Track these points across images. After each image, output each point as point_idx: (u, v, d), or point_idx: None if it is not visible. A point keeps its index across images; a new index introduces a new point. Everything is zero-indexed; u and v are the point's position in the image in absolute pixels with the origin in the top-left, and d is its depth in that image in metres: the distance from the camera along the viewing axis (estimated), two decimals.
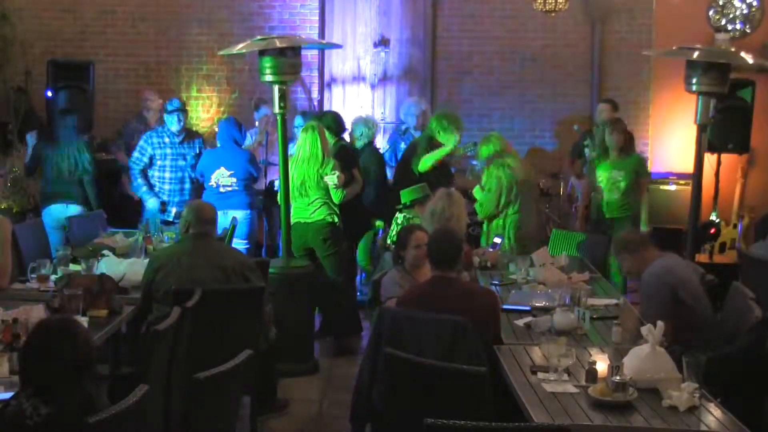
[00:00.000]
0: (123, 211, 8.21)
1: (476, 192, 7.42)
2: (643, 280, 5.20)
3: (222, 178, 7.56)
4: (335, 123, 7.60)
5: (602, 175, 7.63)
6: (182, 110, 7.85)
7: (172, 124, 7.80)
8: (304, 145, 6.93)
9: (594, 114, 9.02)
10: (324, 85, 9.89)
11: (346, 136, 8.02)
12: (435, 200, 5.96)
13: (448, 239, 4.66)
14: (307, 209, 6.92)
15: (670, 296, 5.06)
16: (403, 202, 6.83)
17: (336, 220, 6.96)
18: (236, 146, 7.70)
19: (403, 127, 8.79)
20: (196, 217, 5.24)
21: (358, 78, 9.87)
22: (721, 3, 9.62)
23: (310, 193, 6.90)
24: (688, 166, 6.98)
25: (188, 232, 5.26)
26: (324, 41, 9.53)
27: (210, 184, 7.61)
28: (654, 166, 9.30)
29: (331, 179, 6.86)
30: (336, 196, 6.92)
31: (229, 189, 7.54)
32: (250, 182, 7.71)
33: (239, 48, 6.66)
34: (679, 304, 5.05)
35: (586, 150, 8.32)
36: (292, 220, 6.84)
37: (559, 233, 7.72)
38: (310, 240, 6.95)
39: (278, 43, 6.26)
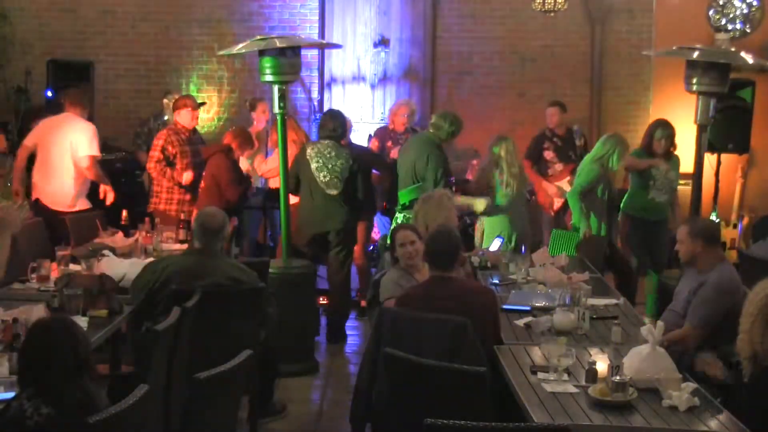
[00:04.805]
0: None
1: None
2: (712, 281, 4.92)
3: None
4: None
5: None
6: None
7: None
8: None
9: (591, 114, 9.00)
10: (324, 85, 9.89)
11: None
12: (437, 190, 6.02)
13: (445, 239, 4.65)
14: None
15: (725, 309, 4.79)
16: (402, 202, 6.82)
17: None
18: None
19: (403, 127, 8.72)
20: (200, 228, 5.05)
21: (358, 78, 9.87)
22: (721, 3, 9.62)
23: None
24: (688, 166, 6.97)
25: (195, 242, 5.11)
26: (324, 41, 9.53)
27: None
28: None
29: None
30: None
31: None
32: None
33: (239, 48, 6.65)
34: (726, 317, 4.71)
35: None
36: None
37: (559, 233, 7.71)
38: None
39: (278, 43, 6.26)
